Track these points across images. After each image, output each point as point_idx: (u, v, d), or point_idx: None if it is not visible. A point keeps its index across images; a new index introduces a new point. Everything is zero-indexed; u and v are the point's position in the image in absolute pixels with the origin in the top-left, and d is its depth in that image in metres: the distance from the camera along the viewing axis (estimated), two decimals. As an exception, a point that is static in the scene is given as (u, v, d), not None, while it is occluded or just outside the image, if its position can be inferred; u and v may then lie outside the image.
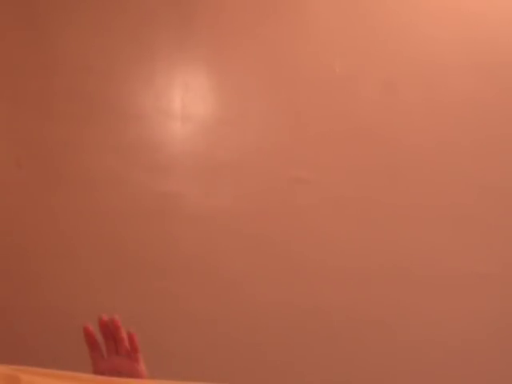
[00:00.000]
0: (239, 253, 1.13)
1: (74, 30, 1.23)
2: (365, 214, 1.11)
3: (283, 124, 1.15)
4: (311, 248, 1.11)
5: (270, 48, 1.16)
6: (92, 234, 1.18)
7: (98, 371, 0.78)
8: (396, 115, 1.12)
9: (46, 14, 1.24)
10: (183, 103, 1.19)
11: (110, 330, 0.78)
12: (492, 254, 1.07)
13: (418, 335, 1.07)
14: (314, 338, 1.09)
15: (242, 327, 1.11)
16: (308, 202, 1.12)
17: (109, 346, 0.78)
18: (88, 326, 0.77)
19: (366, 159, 1.11)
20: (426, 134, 1.11)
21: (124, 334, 0.77)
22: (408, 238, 1.09)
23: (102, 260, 1.17)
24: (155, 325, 1.07)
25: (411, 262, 1.08)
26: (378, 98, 1.12)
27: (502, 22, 1.11)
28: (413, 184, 1.10)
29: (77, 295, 1.16)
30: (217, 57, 1.18)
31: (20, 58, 1.24)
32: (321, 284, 1.10)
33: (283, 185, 1.13)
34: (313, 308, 1.09)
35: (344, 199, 1.11)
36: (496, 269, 1.06)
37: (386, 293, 1.08)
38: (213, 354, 1.12)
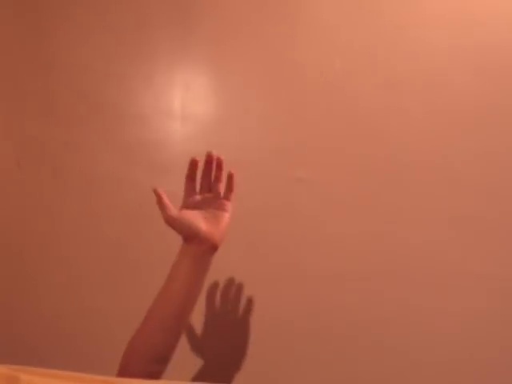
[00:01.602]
0: (239, 253, 1.13)
1: (72, 29, 1.23)
2: (365, 214, 1.11)
3: (283, 124, 1.15)
4: (312, 248, 1.11)
5: (271, 47, 1.16)
6: (92, 233, 1.18)
7: (188, 201, 0.86)
8: (397, 116, 1.12)
9: (44, 12, 1.24)
10: (183, 103, 1.19)
11: (211, 168, 0.86)
12: (494, 256, 1.07)
13: (419, 335, 1.07)
14: (314, 339, 1.09)
15: (241, 327, 1.11)
16: (309, 202, 1.12)
17: (203, 183, 0.87)
18: (196, 158, 0.85)
19: (367, 159, 1.11)
20: (428, 135, 1.11)
21: (224, 174, 0.85)
22: (409, 238, 1.09)
23: (102, 260, 1.17)
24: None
25: (412, 262, 1.08)
26: (379, 98, 1.12)
27: (504, 24, 1.11)
28: (414, 184, 1.10)
29: (76, 295, 1.16)
30: (217, 56, 1.18)
31: (18, 57, 1.24)
32: (321, 284, 1.10)
33: (284, 185, 1.13)
34: (313, 307, 1.09)
35: (345, 199, 1.11)
36: (498, 270, 1.06)
37: (387, 293, 1.08)
38: (212, 354, 1.12)
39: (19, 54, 1.24)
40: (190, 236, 0.84)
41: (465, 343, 1.05)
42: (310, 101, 1.14)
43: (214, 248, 0.85)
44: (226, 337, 1.12)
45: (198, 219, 0.84)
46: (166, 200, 0.85)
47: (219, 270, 1.12)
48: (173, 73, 1.20)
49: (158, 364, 0.82)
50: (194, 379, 1.10)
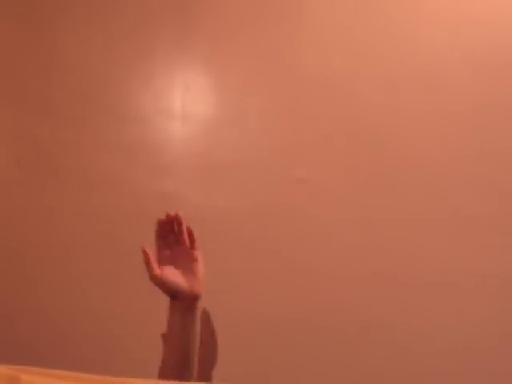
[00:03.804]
0: (239, 253, 1.13)
1: (72, 30, 1.23)
2: (365, 214, 1.11)
3: (283, 124, 1.15)
4: (311, 248, 1.11)
5: (271, 47, 1.16)
6: (92, 234, 1.18)
7: (161, 256, 0.98)
8: (397, 116, 1.12)
9: (44, 12, 1.24)
10: (183, 103, 1.19)
11: (172, 225, 0.98)
12: (494, 256, 1.07)
13: (419, 336, 1.07)
14: (313, 338, 1.09)
15: (242, 327, 1.11)
16: (309, 202, 1.12)
17: (169, 239, 0.99)
18: (161, 218, 0.97)
19: (367, 159, 1.11)
20: (428, 135, 1.11)
21: (185, 228, 0.98)
22: (409, 238, 1.09)
23: (102, 261, 1.17)
24: (154, 325, 1.07)
25: (412, 262, 1.08)
26: (379, 98, 1.12)
27: (503, 23, 1.11)
28: (414, 185, 1.10)
29: (76, 295, 1.16)
30: (217, 56, 1.18)
31: (18, 57, 1.24)
32: (322, 284, 1.10)
33: (284, 185, 1.13)
34: (313, 307, 1.09)
35: (345, 199, 1.11)
36: (498, 270, 1.06)
37: (387, 292, 1.08)
38: (210, 353, 1.12)
39: (19, 54, 1.24)
40: (174, 295, 0.96)
41: (465, 343, 1.05)
42: (309, 101, 1.14)
43: (197, 298, 0.97)
44: (225, 336, 1.12)
45: (178, 278, 0.96)
46: (152, 259, 0.95)
47: (219, 269, 1.13)
48: (173, 73, 1.20)
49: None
50: (195, 379, 1.10)
